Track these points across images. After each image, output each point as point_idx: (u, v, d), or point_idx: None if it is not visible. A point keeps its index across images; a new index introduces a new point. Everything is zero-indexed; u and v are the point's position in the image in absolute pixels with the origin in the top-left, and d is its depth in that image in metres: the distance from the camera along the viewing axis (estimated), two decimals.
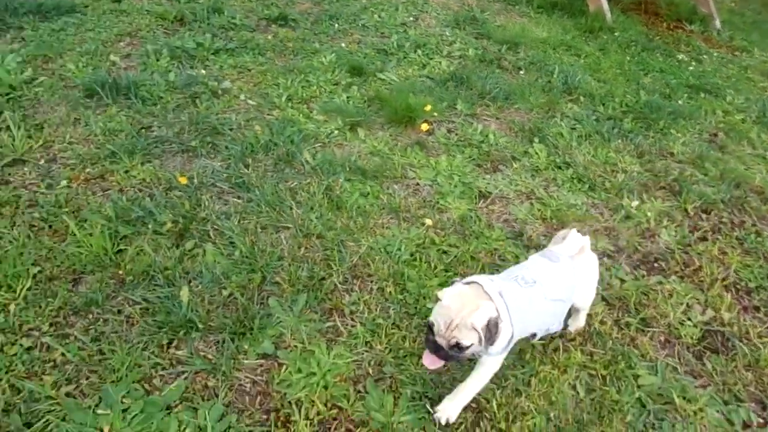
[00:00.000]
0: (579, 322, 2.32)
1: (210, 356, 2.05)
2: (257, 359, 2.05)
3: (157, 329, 2.10)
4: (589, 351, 2.28)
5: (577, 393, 2.12)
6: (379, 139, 3.31)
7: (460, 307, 1.74)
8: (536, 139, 3.50)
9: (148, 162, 2.92)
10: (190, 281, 2.29)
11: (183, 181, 2.78)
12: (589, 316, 2.38)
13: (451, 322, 1.73)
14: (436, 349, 1.79)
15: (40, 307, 2.13)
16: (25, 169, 2.81)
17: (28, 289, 2.18)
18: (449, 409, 1.93)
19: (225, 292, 2.26)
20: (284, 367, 2.03)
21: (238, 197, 2.76)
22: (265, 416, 1.89)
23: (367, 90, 3.78)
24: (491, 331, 1.75)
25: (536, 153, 3.39)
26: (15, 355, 1.95)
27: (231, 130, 3.20)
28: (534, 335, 2.03)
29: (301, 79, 3.78)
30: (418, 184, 3.02)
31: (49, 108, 3.27)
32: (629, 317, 2.44)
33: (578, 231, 2.18)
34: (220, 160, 2.99)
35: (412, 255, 2.55)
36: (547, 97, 4.01)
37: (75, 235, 2.40)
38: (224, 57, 3.96)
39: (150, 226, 2.51)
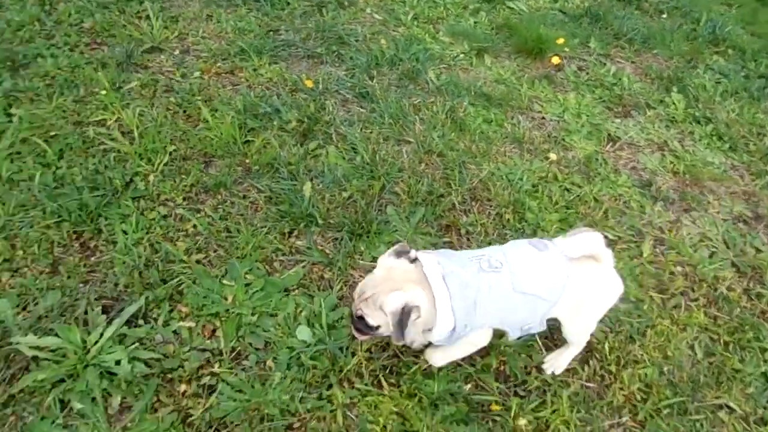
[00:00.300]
0: (559, 361, 1.84)
1: (327, 251, 2.08)
2: (371, 261, 2.06)
3: (280, 218, 2.15)
4: (713, 314, 2.14)
5: (695, 353, 2.00)
6: (506, 67, 3.18)
7: (380, 282, 1.52)
8: (675, 89, 3.24)
9: (275, 63, 2.94)
10: (312, 178, 2.31)
11: (309, 84, 2.78)
12: (716, 279, 2.23)
13: (362, 294, 1.53)
14: (351, 318, 1.60)
15: (175, 181, 2.23)
16: (162, 57, 2.91)
17: (165, 164, 2.28)
18: (438, 359, 1.74)
19: (345, 194, 2.27)
20: None
21: (361, 107, 2.74)
22: None
23: (495, 16, 3.61)
24: (403, 320, 1.48)
25: (673, 103, 3.15)
26: (153, 219, 2.07)
27: (356, 41, 3.16)
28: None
29: None
30: (543, 118, 2.89)
31: (184, 2, 3.34)
32: (762, 288, 2.26)
33: (598, 235, 1.68)
34: (344, 69, 2.97)
35: (533, 186, 2.46)
36: (691, 45, 3.69)
37: (207, 121, 2.47)
38: None
39: (276, 123, 2.54)
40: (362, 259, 2.07)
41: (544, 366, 1.86)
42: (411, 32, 3.31)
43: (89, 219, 2.04)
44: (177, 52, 2.96)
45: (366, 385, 1.74)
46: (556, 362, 1.85)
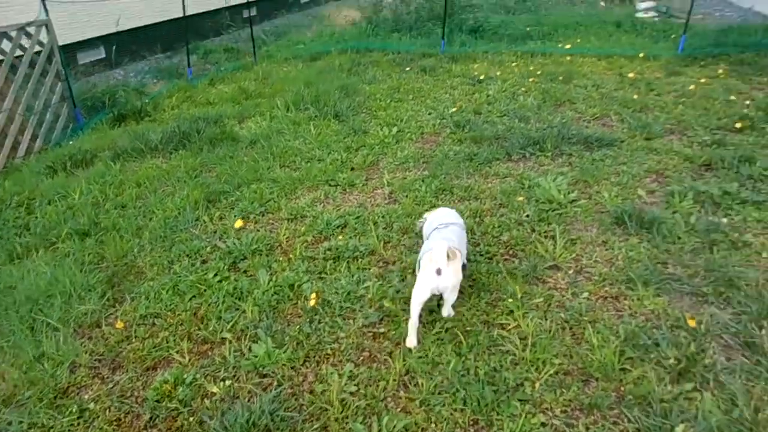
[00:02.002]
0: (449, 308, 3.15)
1: None
2: None
3: None
4: None
5: None
6: None
7: None
8: None
9: (659, 296, 3.23)
10: (683, 420, 2.46)
11: (692, 323, 2.97)
12: None
13: None
14: None
15: (556, 393, 2.66)
16: (558, 274, 3.51)
17: (550, 375, 2.75)
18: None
19: None
20: None
21: (745, 356, 2.78)
22: None
23: None
24: None
25: None
26: (534, 424, 2.51)
27: (747, 285, 3.23)
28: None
29: None
30: None
31: (583, 227, 3.97)
32: None
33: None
34: (730, 313, 3.06)
35: None
36: None
37: (590, 342, 2.90)
38: (749, 209, 3.98)
39: (653, 356, 2.80)
40: None
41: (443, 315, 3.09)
42: None
43: (485, 410, 2.61)
44: (571, 271, 3.53)
45: None
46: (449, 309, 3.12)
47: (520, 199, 4.28)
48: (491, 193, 4.45)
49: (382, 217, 4.20)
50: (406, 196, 4.48)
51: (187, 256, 3.94)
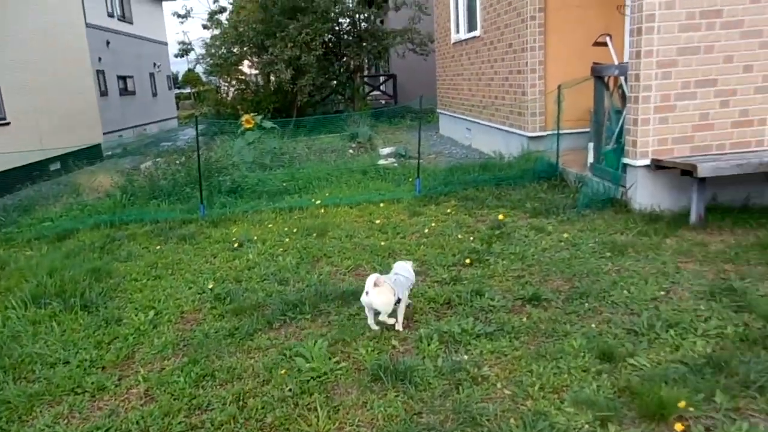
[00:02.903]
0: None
1: None
2: None
3: None
4: None
5: None
6: None
7: None
8: None
9: None
10: None
11: None
12: None
13: None
14: None
15: None
16: None
17: None
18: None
19: None
20: None
21: None
22: None
23: (617, 378, 3.93)
24: None
25: None
26: None
27: (488, 420, 3.62)
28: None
29: (552, 365, 4.12)
30: None
31: (345, 391, 4.11)
32: None
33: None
34: None
35: None
36: None
37: None
38: (484, 342, 4.55)
39: None
40: None
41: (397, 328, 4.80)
42: (538, 406, 3.71)
43: None
44: None
45: None
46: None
47: (282, 372, 4.32)
48: (254, 370, 4.42)
49: (137, 423, 3.87)
50: (164, 391, 4.22)
51: None
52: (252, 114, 14.33)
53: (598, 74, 8.57)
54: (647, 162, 7.46)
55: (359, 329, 4.94)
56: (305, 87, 21.11)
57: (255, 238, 7.85)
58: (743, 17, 7.17)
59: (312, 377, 4.25)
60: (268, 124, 14.01)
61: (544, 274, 5.87)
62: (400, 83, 28.72)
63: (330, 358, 4.47)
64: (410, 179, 10.84)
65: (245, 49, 22.80)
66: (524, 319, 4.88)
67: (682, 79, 7.28)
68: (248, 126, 13.41)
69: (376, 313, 4.82)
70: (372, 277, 4.62)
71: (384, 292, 4.64)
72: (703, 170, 6.60)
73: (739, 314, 4.69)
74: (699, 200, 6.89)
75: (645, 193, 7.60)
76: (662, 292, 5.18)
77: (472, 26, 14.58)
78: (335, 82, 25.35)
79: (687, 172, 6.90)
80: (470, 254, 6.55)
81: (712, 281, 5.35)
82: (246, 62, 24.62)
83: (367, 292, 4.63)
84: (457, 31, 15.87)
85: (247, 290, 6.01)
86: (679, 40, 7.16)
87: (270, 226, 8.41)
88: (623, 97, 8.06)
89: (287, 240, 7.62)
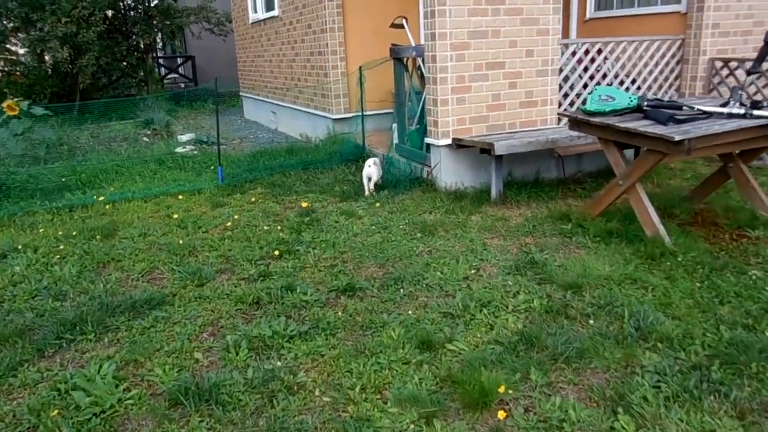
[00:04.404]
0: None
1: None
2: None
3: None
4: None
5: None
6: (456, 430, 3.24)
7: None
8: (620, 409, 3.32)
9: None
10: None
11: None
12: None
13: None
14: None
15: None
16: None
17: None
18: None
19: None
20: None
21: None
22: None
23: (438, 368, 3.78)
24: None
25: (623, 427, 3.20)
26: None
27: None
28: None
29: (372, 362, 3.85)
30: None
31: (137, 424, 3.42)
32: None
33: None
34: None
35: None
36: (623, 350, 3.88)
37: None
38: (298, 343, 4.14)
39: None
40: None
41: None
42: (360, 410, 3.40)
43: None
44: None
45: None
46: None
47: (54, 414, 3.47)
48: (16, 416, 3.50)
49: None
50: None
51: None
52: (19, 99, 12.09)
53: (396, 56, 8.56)
54: (449, 141, 7.62)
55: (155, 344, 4.22)
56: (87, 68, 18.46)
57: (26, 244, 6.48)
58: (522, 5, 7.63)
59: (94, 414, 3.47)
60: (38, 110, 11.91)
61: (358, 260, 5.63)
62: (200, 65, 26.87)
63: (117, 386, 3.70)
64: (212, 167, 9.98)
65: (8, 23, 19.32)
66: (340, 313, 4.57)
67: (475, 61, 7.54)
68: (12, 113, 11.27)
69: (371, 181, 7.67)
70: (371, 160, 7.72)
71: (378, 165, 7.78)
72: (500, 148, 6.89)
73: (542, 286, 4.88)
74: (497, 177, 7.21)
75: (449, 172, 7.78)
76: (473, 271, 5.23)
77: (270, 6, 13.90)
78: (125, 63, 22.76)
79: (485, 150, 7.17)
80: (279, 245, 6.08)
81: (516, 255, 5.55)
82: (13, 39, 20.93)
83: (369, 166, 7.62)
84: (255, 11, 15.06)
85: (10, 312, 4.85)
86: (470, 24, 7.38)
87: (43, 230, 7.04)
88: (422, 78, 8.15)
89: (64, 246, 6.40)
